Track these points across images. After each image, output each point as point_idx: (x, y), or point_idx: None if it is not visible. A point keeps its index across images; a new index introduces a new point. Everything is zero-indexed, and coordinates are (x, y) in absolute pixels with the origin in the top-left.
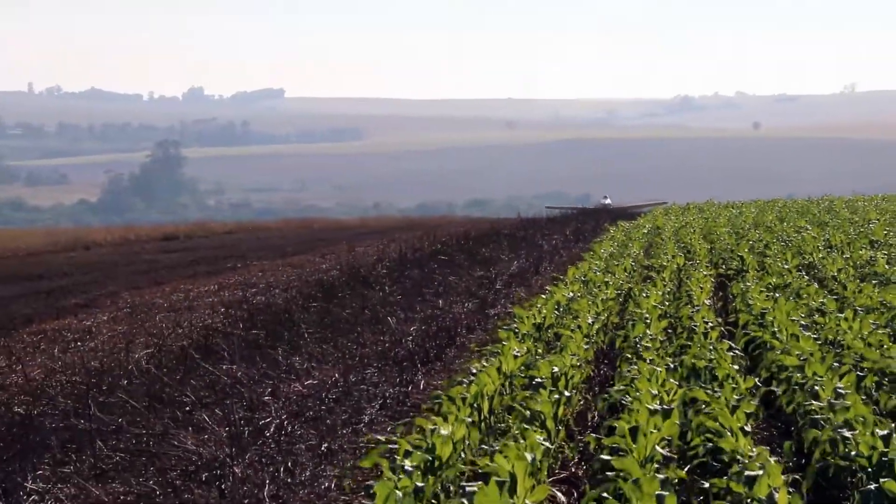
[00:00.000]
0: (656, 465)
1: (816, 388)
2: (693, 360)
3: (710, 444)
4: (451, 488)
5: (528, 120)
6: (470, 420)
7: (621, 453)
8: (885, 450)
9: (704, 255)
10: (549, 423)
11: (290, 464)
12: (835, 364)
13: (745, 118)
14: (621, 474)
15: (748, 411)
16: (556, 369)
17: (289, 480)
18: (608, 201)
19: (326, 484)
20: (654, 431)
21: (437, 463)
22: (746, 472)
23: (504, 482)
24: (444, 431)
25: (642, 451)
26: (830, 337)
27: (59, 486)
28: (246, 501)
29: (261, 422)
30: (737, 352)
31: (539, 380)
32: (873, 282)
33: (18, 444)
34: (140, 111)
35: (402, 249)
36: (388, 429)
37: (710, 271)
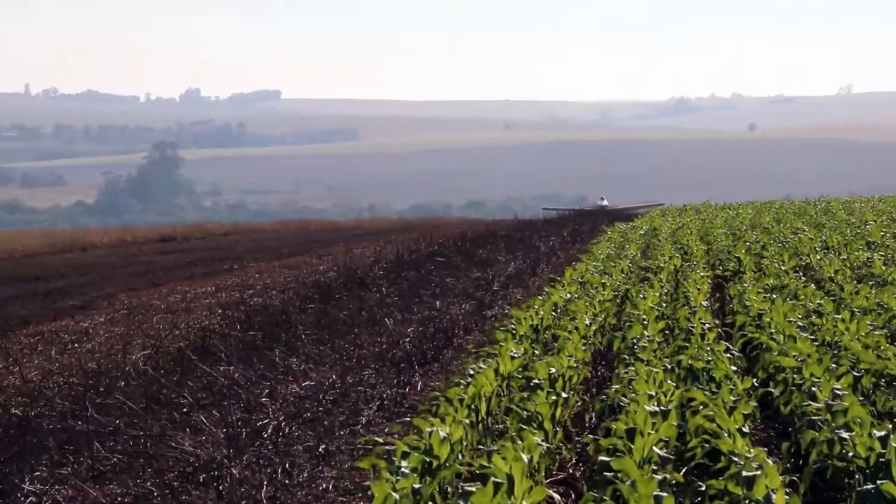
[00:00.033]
0: (654, 467)
1: (814, 389)
2: (690, 362)
3: (708, 445)
4: (449, 490)
5: (525, 121)
6: (467, 421)
7: (619, 454)
8: (883, 451)
9: (701, 256)
10: (547, 425)
11: (287, 465)
12: (832, 365)
13: (741, 119)
14: (619, 475)
15: (746, 412)
16: (553, 371)
17: (286, 482)
18: (605, 203)
19: (324, 485)
20: (652, 433)
21: (434, 464)
22: (744, 473)
23: (501, 483)
24: (441, 433)
25: (640, 453)
26: (828, 338)
27: (57, 487)
28: (243, 503)
29: (258, 423)
30: (734, 353)
31: (536, 381)
32: (870, 283)
33: (16, 445)
34: (136, 113)
35: (398, 251)
36: (386, 430)
37: (707, 272)
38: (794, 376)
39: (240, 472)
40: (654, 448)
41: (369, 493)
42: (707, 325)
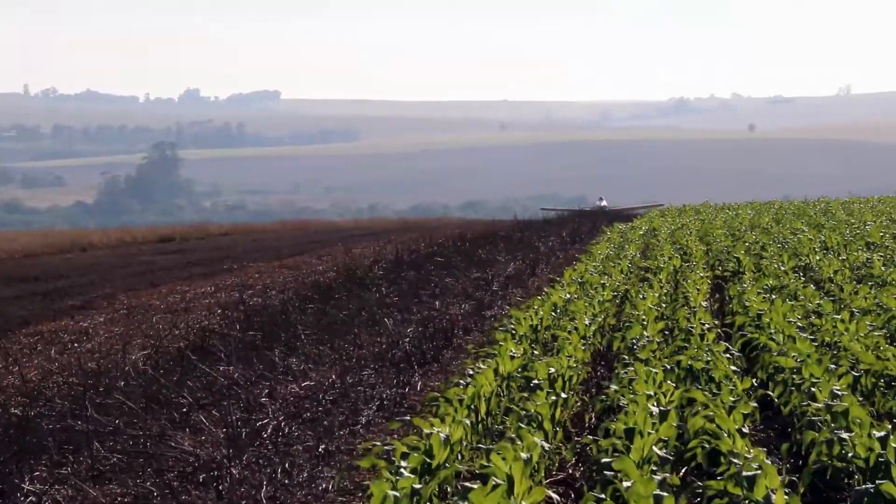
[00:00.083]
0: (653, 467)
1: (813, 389)
2: (690, 362)
3: (708, 446)
4: (449, 490)
5: (523, 122)
6: (467, 421)
7: (618, 455)
8: (882, 451)
9: (701, 256)
10: (547, 425)
11: (287, 465)
12: (831, 366)
13: (740, 120)
14: (618, 475)
15: (745, 413)
16: (552, 371)
17: (286, 482)
18: (604, 203)
19: (324, 485)
20: (652, 433)
21: (434, 464)
22: (744, 474)
23: (501, 483)
24: (441, 433)
25: (639, 453)
26: (827, 339)
27: (57, 487)
28: (243, 503)
29: (258, 423)
30: (733, 353)
31: (536, 381)
32: (869, 283)
33: (15, 445)
34: (136, 113)
35: (398, 251)
36: (385, 429)
37: (706, 273)
38: (794, 377)
39: (239, 472)
40: (653, 448)
41: (368, 493)
42: (706, 325)
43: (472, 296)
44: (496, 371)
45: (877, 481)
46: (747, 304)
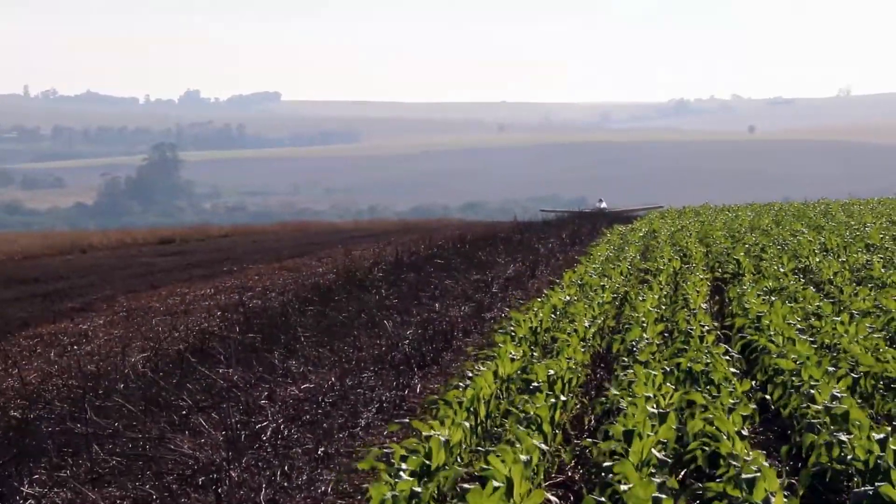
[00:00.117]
0: (652, 469)
1: (813, 391)
2: (689, 364)
3: (707, 448)
4: (448, 492)
5: (523, 123)
6: (466, 424)
7: (618, 457)
8: (881, 453)
9: (700, 258)
10: (546, 427)
11: (286, 468)
12: (831, 368)
13: (740, 121)
14: (618, 478)
15: (744, 415)
16: (552, 373)
17: (285, 484)
18: (603, 205)
19: (323, 488)
20: (651, 435)
21: (433, 466)
22: (743, 476)
23: (500, 486)
24: (440, 436)
25: (638, 455)
26: (827, 341)
27: (56, 490)
28: None
29: (257, 425)
30: (733, 355)
31: (535, 384)
32: (869, 285)
33: (15, 448)
34: (136, 114)
35: (398, 253)
36: (385, 432)
37: (706, 275)
38: (793, 379)
39: (239, 474)
40: (652, 450)
41: (367, 495)
42: (706, 327)
43: (472, 298)
44: (496, 373)
45: (876, 483)
46: (747, 306)
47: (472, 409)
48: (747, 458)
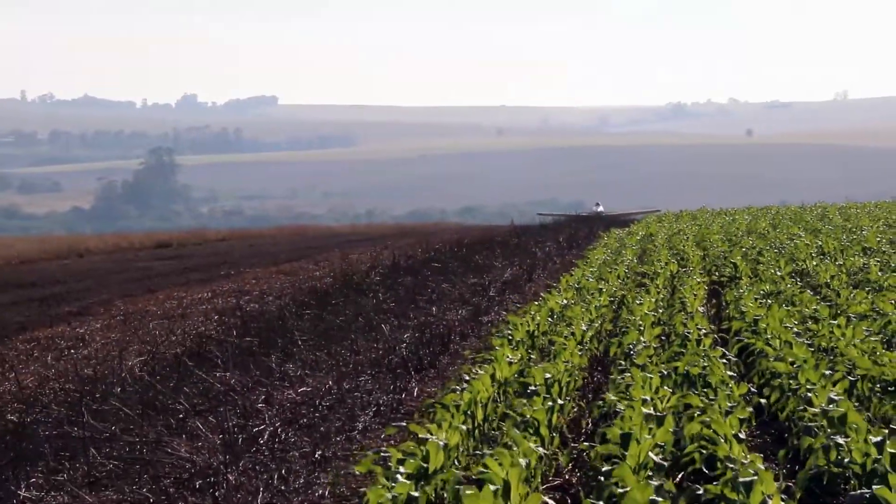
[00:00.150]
0: (650, 472)
1: (810, 395)
2: (687, 367)
3: (704, 451)
4: (445, 496)
5: (521, 127)
6: (464, 427)
7: (615, 460)
8: (878, 456)
9: (698, 262)
10: (543, 430)
11: (283, 471)
12: (828, 371)
13: (737, 125)
14: (615, 481)
15: (742, 418)
16: (549, 376)
17: (282, 488)
18: (600, 208)
19: (320, 491)
20: (648, 438)
21: (430, 470)
22: (740, 479)
23: (498, 489)
24: (438, 440)
25: (635, 458)
26: (823, 344)
27: (53, 494)
28: None
29: (254, 429)
30: (730, 359)
31: (533, 387)
32: (866, 289)
33: (11, 451)
34: (133, 118)
35: (395, 257)
36: (382, 435)
37: (703, 278)
38: (790, 382)
39: (236, 478)
40: (650, 453)
41: (365, 499)
42: (703, 330)
43: (469, 301)
44: (493, 377)
45: (873, 486)
46: (744, 309)
47: (469, 412)
48: (744, 461)
